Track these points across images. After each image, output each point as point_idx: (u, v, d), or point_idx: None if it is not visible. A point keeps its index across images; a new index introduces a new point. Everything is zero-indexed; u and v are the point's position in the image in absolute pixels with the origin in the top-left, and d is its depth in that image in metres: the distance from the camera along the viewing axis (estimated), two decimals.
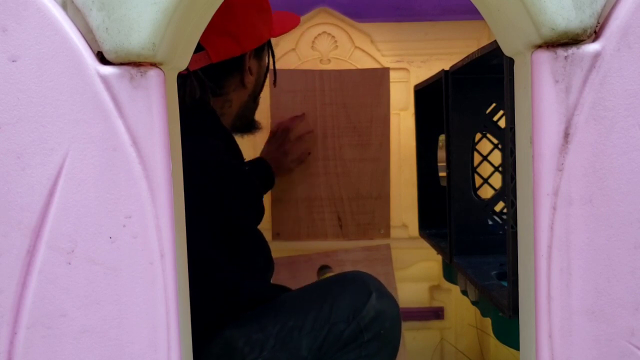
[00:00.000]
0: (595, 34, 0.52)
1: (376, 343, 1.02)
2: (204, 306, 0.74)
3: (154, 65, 0.52)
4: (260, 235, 1.09)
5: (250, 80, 1.19)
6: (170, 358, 0.54)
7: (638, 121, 0.52)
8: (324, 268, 1.56)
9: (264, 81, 1.25)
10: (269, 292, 1.07)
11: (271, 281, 1.27)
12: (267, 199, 1.72)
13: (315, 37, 1.86)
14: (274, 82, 1.25)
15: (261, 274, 1.07)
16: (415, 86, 1.53)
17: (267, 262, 1.09)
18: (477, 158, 1.20)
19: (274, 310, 1.04)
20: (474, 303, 1.16)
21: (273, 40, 1.85)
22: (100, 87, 0.51)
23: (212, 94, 1.08)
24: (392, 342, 1.05)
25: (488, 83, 1.13)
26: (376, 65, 1.87)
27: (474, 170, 1.19)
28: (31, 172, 0.51)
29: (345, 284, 1.06)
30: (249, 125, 1.28)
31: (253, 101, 1.24)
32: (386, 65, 1.86)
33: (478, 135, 1.20)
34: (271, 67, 1.26)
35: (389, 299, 1.06)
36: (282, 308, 1.05)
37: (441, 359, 1.93)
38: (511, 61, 0.62)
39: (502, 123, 1.16)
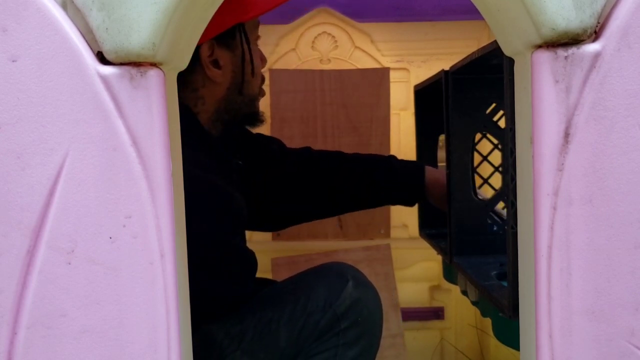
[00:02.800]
0: (595, 34, 0.52)
1: (354, 331, 1.01)
2: None
3: (154, 65, 0.52)
4: (235, 243, 1.04)
5: (217, 74, 1.05)
6: (170, 358, 0.54)
7: (638, 121, 0.52)
8: None
9: (251, 70, 1.08)
10: (244, 296, 1.05)
11: (268, 279, 1.27)
12: None
13: (315, 37, 1.86)
14: (252, 72, 1.08)
15: (236, 281, 1.05)
16: (415, 86, 1.53)
17: (244, 268, 1.06)
18: (477, 158, 1.20)
19: (253, 303, 1.04)
20: (474, 303, 1.16)
21: (273, 40, 1.87)
22: (100, 87, 0.51)
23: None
24: (372, 330, 1.04)
25: (488, 83, 1.13)
26: (376, 65, 1.87)
27: (474, 170, 1.19)
28: (31, 172, 0.51)
29: (322, 274, 1.05)
30: (248, 119, 1.14)
31: (238, 93, 1.08)
32: (386, 65, 1.86)
33: (478, 135, 1.20)
34: (249, 56, 1.10)
35: (367, 287, 1.05)
36: (261, 301, 1.04)
37: (441, 359, 1.93)
38: (511, 61, 0.61)
39: (502, 123, 1.16)
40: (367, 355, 1.03)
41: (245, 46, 1.07)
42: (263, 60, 1.15)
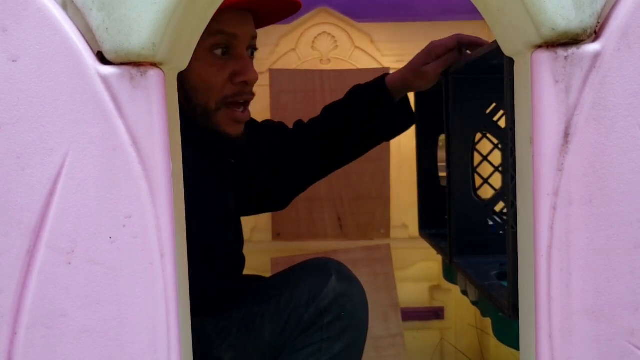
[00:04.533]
0: (595, 34, 0.52)
1: (338, 325, 1.01)
2: None
3: (154, 65, 0.52)
4: (220, 241, 1.03)
5: None
6: (170, 358, 0.54)
7: (638, 121, 0.52)
8: None
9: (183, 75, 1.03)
10: (230, 292, 1.06)
11: (259, 276, 1.27)
12: None
13: (315, 37, 1.86)
14: (183, 77, 0.98)
15: (220, 277, 1.05)
16: None
17: (229, 265, 1.06)
18: (477, 158, 1.20)
19: (241, 298, 1.06)
20: (474, 303, 1.16)
21: (273, 40, 1.87)
22: (100, 87, 0.51)
23: None
24: (357, 324, 1.04)
25: (488, 83, 1.13)
26: (376, 65, 1.87)
27: (474, 170, 1.19)
28: (31, 172, 0.51)
29: (306, 269, 1.07)
30: (210, 134, 1.04)
31: (185, 99, 0.99)
32: (386, 65, 1.86)
33: (478, 135, 1.20)
34: (197, 60, 0.96)
35: (351, 281, 1.05)
36: (248, 296, 1.06)
37: (441, 359, 1.93)
38: (511, 61, 0.62)
39: (502, 123, 1.16)
40: (353, 350, 1.04)
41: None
42: (239, 74, 1.02)
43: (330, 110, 1.26)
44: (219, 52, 1.00)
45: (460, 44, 1.13)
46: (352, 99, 1.23)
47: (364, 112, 1.20)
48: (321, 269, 1.05)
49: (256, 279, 1.21)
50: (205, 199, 1.00)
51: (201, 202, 0.97)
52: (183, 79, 0.98)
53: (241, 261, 1.08)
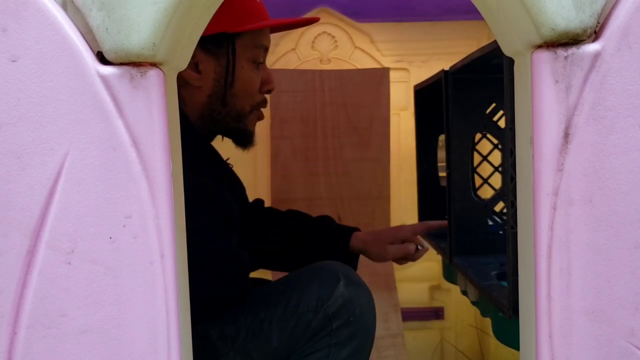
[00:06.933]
0: (595, 34, 0.52)
1: (347, 330, 1.01)
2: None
3: (154, 65, 0.52)
4: (226, 245, 1.03)
5: (193, 77, 1.04)
6: (171, 358, 0.54)
7: (638, 121, 0.52)
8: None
9: (231, 83, 1.08)
10: (236, 297, 1.05)
11: (262, 279, 1.27)
12: (267, 198, 1.72)
13: (315, 37, 1.86)
14: (231, 84, 1.07)
15: (227, 282, 1.05)
16: (415, 86, 1.53)
17: (235, 270, 1.06)
18: (477, 158, 1.20)
19: (246, 303, 1.05)
20: (474, 303, 1.16)
21: (273, 40, 1.86)
22: (100, 87, 0.51)
23: None
24: (365, 329, 1.04)
25: (488, 83, 1.13)
26: (376, 65, 1.87)
27: (474, 170, 1.19)
28: (31, 172, 0.51)
29: (314, 273, 1.06)
30: (237, 136, 1.13)
31: (222, 105, 1.08)
32: (386, 65, 1.86)
33: (478, 135, 1.21)
34: (242, 68, 1.09)
35: (359, 286, 1.05)
36: (254, 300, 1.05)
37: (441, 359, 1.93)
38: (511, 61, 0.62)
39: (502, 123, 1.16)
40: (360, 355, 1.04)
41: (231, 58, 1.07)
42: (267, 83, 1.13)
43: (294, 220, 1.31)
44: (256, 62, 1.11)
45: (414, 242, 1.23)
46: (317, 233, 1.27)
47: (318, 247, 1.26)
48: (329, 273, 1.04)
49: (261, 282, 1.20)
50: (208, 202, 1.00)
51: (204, 205, 0.97)
52: (228, 87, 1.08)
53: (247, 266, 1.08)
